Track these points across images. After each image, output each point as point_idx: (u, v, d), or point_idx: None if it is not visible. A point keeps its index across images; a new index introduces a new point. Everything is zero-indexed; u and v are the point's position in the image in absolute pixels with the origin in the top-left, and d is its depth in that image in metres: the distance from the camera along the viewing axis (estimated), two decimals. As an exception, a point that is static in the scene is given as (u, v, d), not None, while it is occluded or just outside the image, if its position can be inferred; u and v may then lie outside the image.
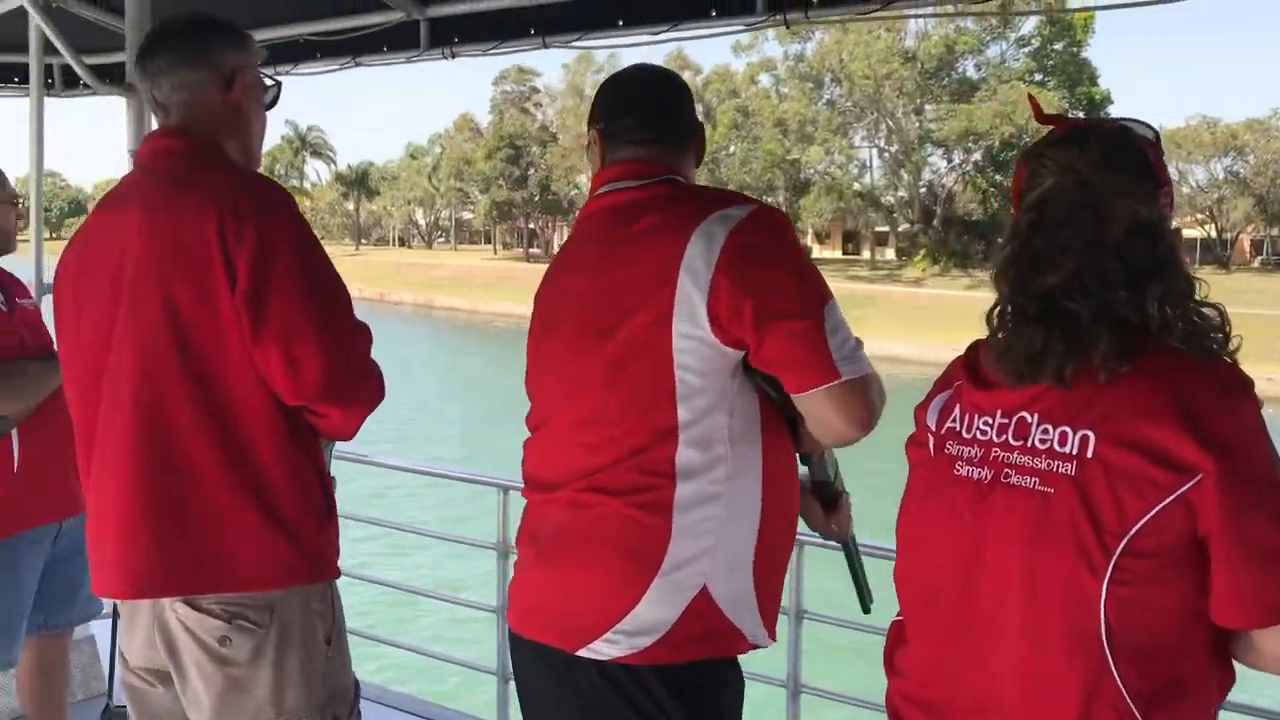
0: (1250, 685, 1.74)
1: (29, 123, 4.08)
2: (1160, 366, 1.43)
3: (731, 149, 59.28)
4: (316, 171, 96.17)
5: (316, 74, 4.77)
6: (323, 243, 2.08)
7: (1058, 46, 54.15)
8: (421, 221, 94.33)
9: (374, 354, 2.09)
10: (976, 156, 54.37)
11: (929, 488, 1.60)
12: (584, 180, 62.20)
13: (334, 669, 2.11)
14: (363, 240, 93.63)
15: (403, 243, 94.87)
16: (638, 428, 1.83)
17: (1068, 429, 1.43)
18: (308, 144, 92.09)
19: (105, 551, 2.04)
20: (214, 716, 2.01)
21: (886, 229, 61.23)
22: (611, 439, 1.85)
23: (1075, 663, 1.42)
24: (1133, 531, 1.37)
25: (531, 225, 77.88)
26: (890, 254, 60.43)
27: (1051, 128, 1.60)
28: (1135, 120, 1.58)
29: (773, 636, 1.96)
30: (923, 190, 57.26)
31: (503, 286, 57.27)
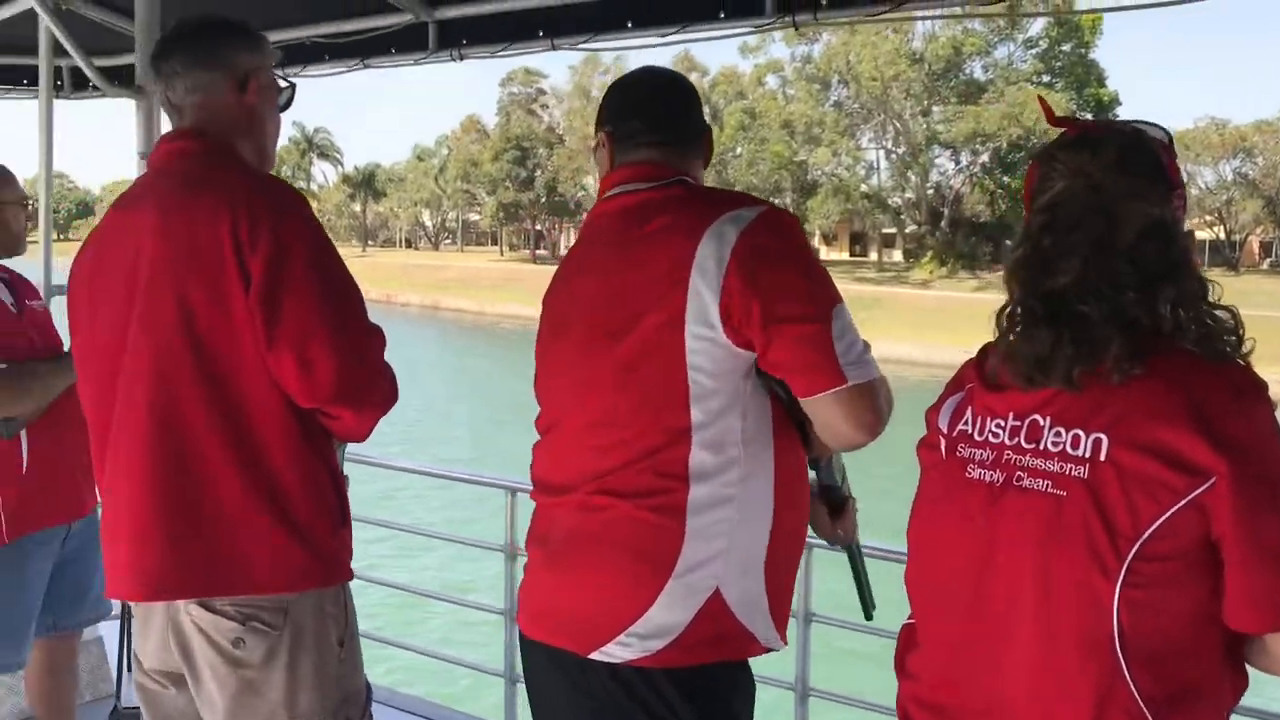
0: (1263, 690, 1.73)
1: (38, 124, 4.09)
2: (1173, 368, 1.42)
3: (738, 150, 59.24)
4: (323, 173, 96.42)
5: (325, 76, 4.78)
6: (330, 245, 2.07)
7: (1065, 48, 54.05)
8: (428, 223, 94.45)
9: None
10: (984, 158, 54.31)
11: (941, 490, 1.60)
12: (591, 182, 62.21)
13: (347, 671, 2.11)
14: (369, 242, 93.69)
15: (409, 244, 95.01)
16: (650, 429, 1.83)
17: (1080, 432, 1.43)
18: (315, 146, 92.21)
19: (119, 553, 2.04)
20: (227, 719, 2.01)
21: (894, 230, 61.14)
22: (623, 441, 1.85)
23: (1088, 666, 1.41)
24: (1146, 535, 1.37)
25: (538, 227, 77.93)
26: (897, 256, 60.34)
27: (1063, 130, 1.60)
28: (1147, 123, 1.58)
29: (784, 639, 1.96)
30: (930, 192, 57.19)
31: (509, 288, 57.34)
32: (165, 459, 1.96)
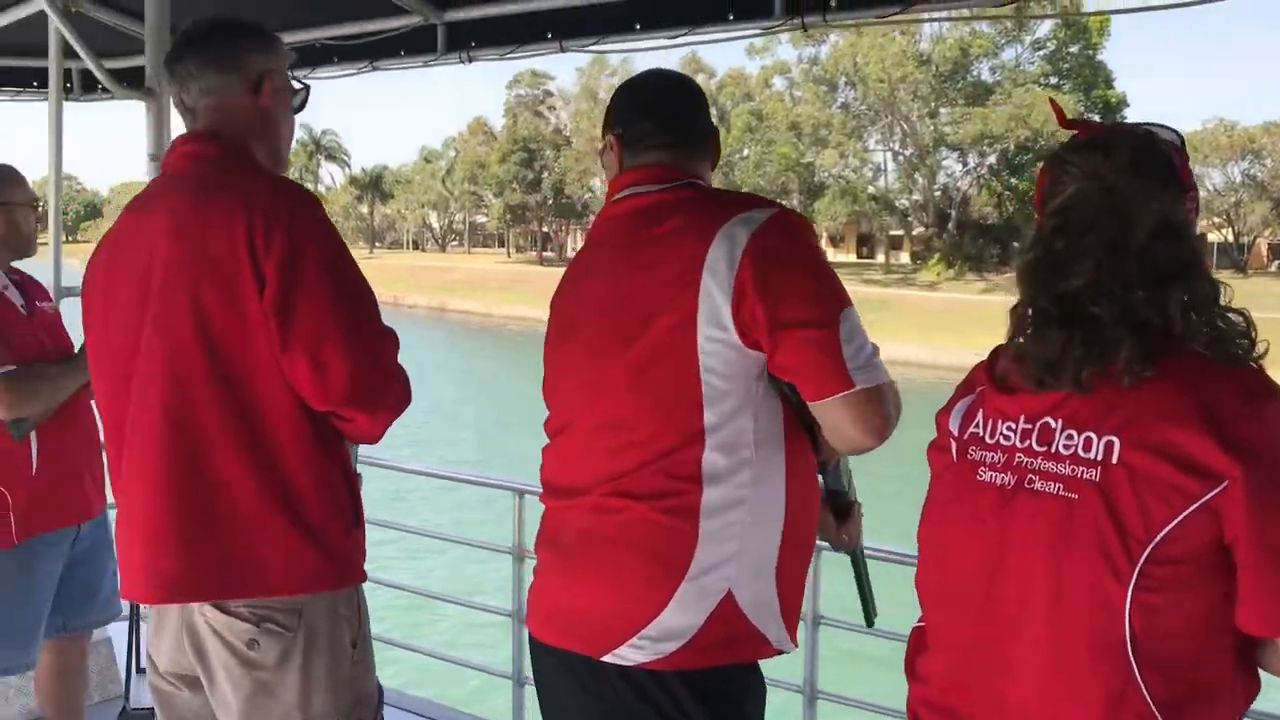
0: (1275, 694, 1.72)
1: (48, 127, 4.10)
2: (1184, 370, 1.42)
3: (746, 152, 59.22)
4: (331, 175, 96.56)
5: (334, 78, 4.80)
6: (338, 247, 2.07)
7: (1073, 49, 53.94)
8: (435, 225, 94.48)
9: None
10: (991, 160, 54.21)
11: (952, 493, 1.59)
12: (598, 184, 62.31)
13: (359, 674, 2.11)
14: (377, 243, 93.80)
15: (416, 246, 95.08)
16: (663, 431, 1.83)
17: (1092, 434, 1.42)
18: (322, 148, 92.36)
19: (134, 555, 2.04)
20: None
21: (901, 232, 61.07)
22: (636, 443, 1.85)
23: (1099, 670, 1.41)
24: (1158, 538, 1.36)
25: (545, 228, 77.91)
26: (905, 257, 60.29)
27: (1074, 133, 1.60)
28: (1159, 125, 1.58)
29: (794, 641, 1.96)
30: (937, 194, 57.09)
31: (516, 290, 57.39)
32: (179, 461, 1.96)
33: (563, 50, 4.33)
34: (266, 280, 1.90)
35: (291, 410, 1.96)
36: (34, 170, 3.75)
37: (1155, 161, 1.51)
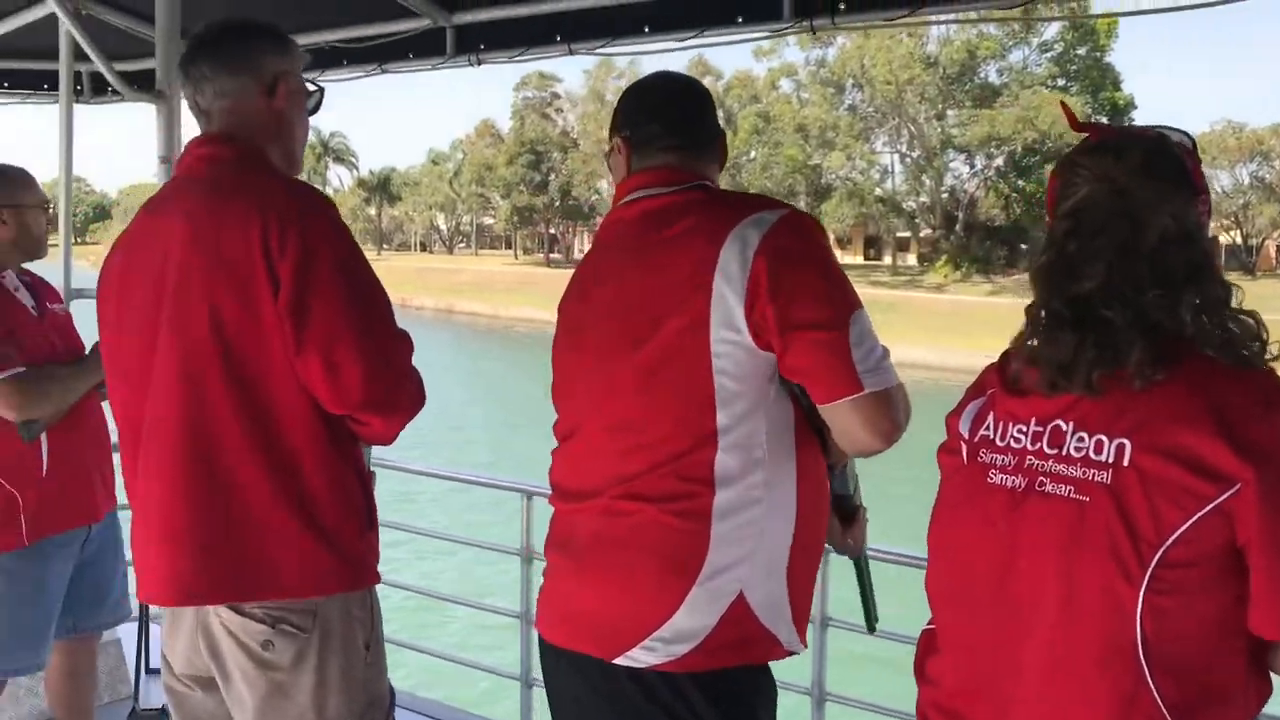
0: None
1: (59, 129, 4.12)
2: (1195, 373, 1.42)
3: (753, 154, 59.18)
4: (339, 177, 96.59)
5: (343, 80, 4.81)
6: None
7: (1080, 51, 53.86)
8: (443, 227, 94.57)
9: None
10: (999, 162, 54.15)
11: (962, 495, 1.59)
12: (604, 186, 62.24)
13: (372, 675, 2.11)
14: (384, 245, 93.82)
15: (424, 248, 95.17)
16: (675, 433, 1.82)
17: (1103, 437, 1.42)
18: (330, 150, 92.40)
19: (151, 557, 2.05)
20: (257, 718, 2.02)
21: (908, 234, 61.00)
22: (647, 445, 1.85)
23: (1109, 673, 1.41)
24: (1170, 541, 1.36)
25: (552, 230, 77.93)
26: (912, 259, 60.22)
27: (1085, 135, 1.60)
28: (1170, 127, 1.58)
29: (804, 642, 1.96)
30: (945, 196, 57.03)
31: (524, 291, 57.41)
32: (195, 464, 1.97)
33: (571, 53, 4.34)
34: (281, 282, 1.90)
35: (306, 413, 1.97)
36: (43, 172, 3.76)
37: (1167, 164, 1.51)
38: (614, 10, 4.17)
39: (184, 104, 2.36)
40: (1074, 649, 1.43)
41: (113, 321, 2.13)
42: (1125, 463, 1.40)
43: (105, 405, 3.00)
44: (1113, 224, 1.47)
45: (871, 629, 2.34)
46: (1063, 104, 1.91)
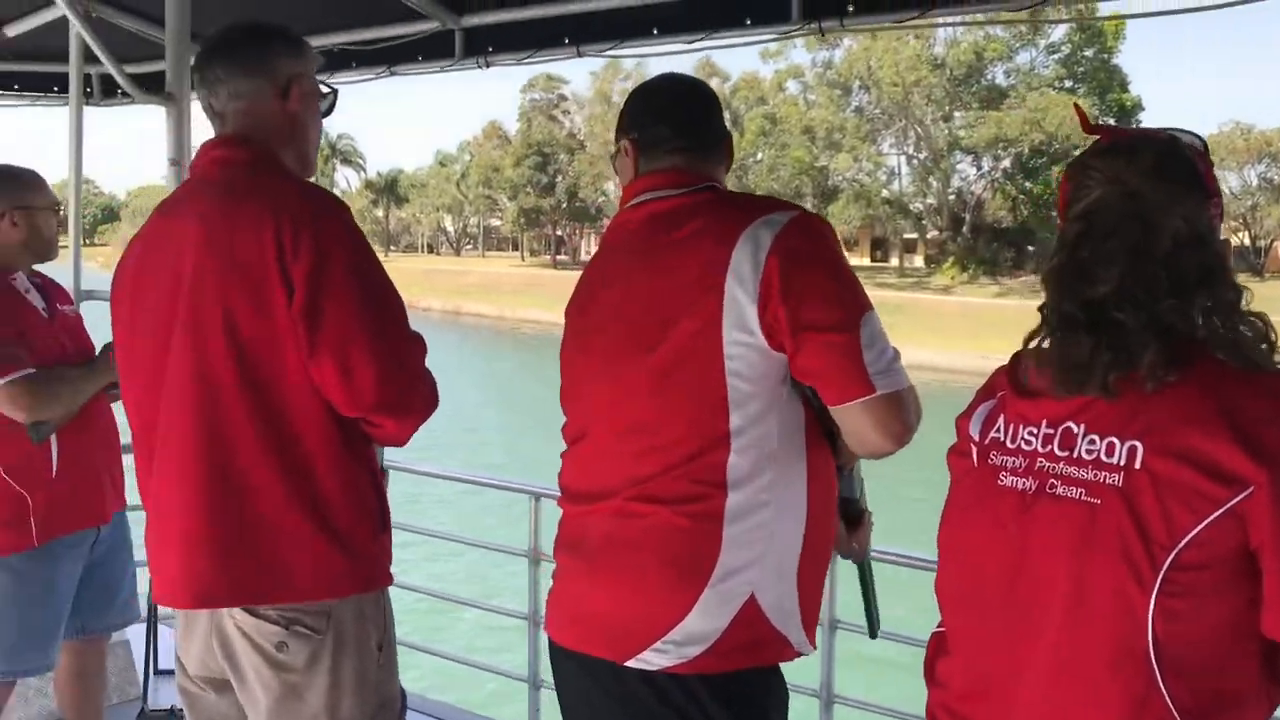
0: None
1: (69, 131, 4.13)
2: (1207, 375, 1.41)
3: (759, 156, 59.14)
4: (346, 179, 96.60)
5: (352, 83, 4.82)
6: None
7: (1088, 53, 53.75)
8: (450, 228, 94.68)
9: None
10: (1006, 163, 54.04)
11: (972, 498, 1.59)
12: (611, 187, 62.26)
13: (384, 677, 2.12)
14: (392, 247, 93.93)
15: (431, 249, 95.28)
16: (688, 435, 1.82)
17: (1115, 440, 1.42)
18: (338, 152, 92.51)
19: (168, 559, 2.05)
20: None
21: (915, 236, 60.90)
22: (659, 447, 1.85)
23: (1120, 676, 1.40)
24: (1182, 544, 1.36)
25: (559, 232, 77.97)
26: (919, 261, 60.14)
27: (1095, 138, 1.59)
28: (1181, 130, 1.57)
29: (814, 644, 1.96)
30: (951, 197, 56.93)
31: (530, 293, 57.44)
32: (211, 466, 1.97)
33: (579, 55, 4.35)
34: (294, 285, 1.90)
35: (319, 415, 1.97)
36: (52, 173, 3.77)
37: (1179, 166, 1.51)
38: (622, 12, 4.18)
39: (194, 106, 2.36)
40: (1083, 651, 1.43)
41: (127, 322, 2.13)
42: (1137, 465, 1.39)
43: (115, 406, 3.01)
44: (1125, 226, 1.47)
45: (874, 634, 2.33)
46: (1076, 106, 1.91)
